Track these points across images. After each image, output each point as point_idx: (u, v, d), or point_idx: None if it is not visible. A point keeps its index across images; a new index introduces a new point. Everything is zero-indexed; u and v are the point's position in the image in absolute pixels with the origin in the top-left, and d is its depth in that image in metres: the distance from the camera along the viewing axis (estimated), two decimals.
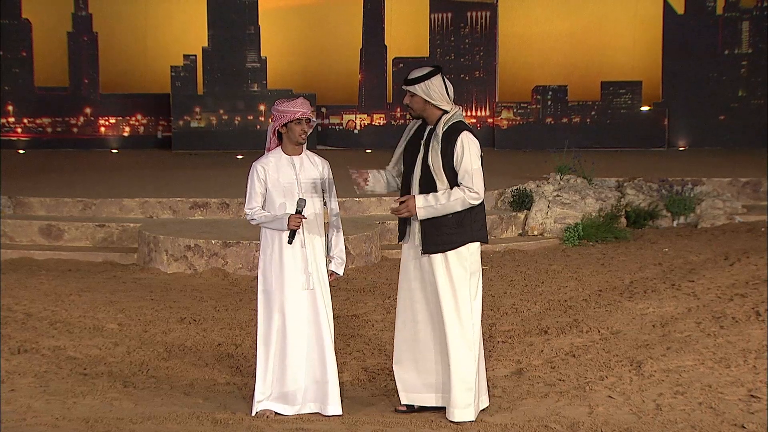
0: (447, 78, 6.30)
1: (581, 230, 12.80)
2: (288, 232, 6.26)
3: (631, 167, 17.14)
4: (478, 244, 6.26)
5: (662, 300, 9.36)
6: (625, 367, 7.31)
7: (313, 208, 6.39)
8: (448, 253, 6.17)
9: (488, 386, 6.88)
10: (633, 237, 13.02)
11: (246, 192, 6.42)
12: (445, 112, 6.23)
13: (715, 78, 22.65)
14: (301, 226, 6.27)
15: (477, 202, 6.14)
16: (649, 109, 22.85)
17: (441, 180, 6.16)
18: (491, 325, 8.67)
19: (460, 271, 6.18)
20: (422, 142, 6.28)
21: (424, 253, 6.22)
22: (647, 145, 22.45)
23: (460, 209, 6.13)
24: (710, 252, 11.76)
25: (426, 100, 6.21)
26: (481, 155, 6.23)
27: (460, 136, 6.12)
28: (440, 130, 6.18)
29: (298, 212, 6.25)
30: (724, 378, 7.02)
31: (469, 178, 6.09)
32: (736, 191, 15.19)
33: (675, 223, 13.96)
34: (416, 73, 6.24)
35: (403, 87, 6.31)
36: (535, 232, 13.08)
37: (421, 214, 6.16)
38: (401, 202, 6.21)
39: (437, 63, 6.73)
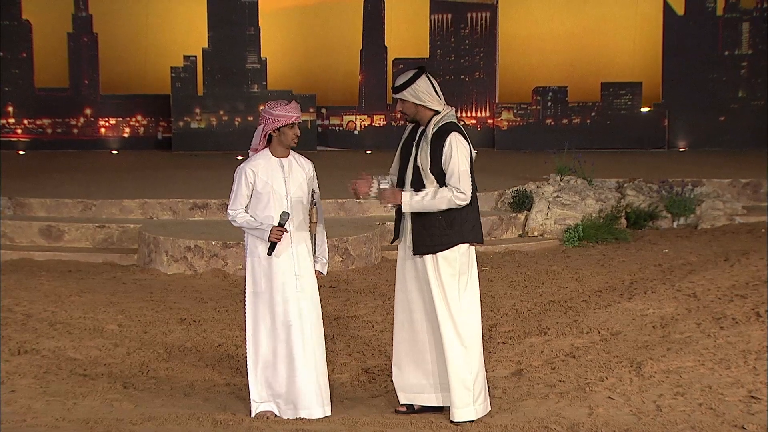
0: (434, 77, 6.34)
1: (581, 231, 12.80)
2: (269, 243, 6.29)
3: (631, 168, 17.14)
4: (467, 245, 6.25)
5: (662, 301, 9.36)
6: (625, 368, 7.31)
7: (302, 210, 6.40)
8: (438, 254, 6.18)
9: (488, 387, 6.89)
10: (633, 238, 13.03)
11: (231, 192, 6.43)
12: (437, 112, 6.24)
13: (715, 79, 22.62)
14: (282, 239, 6.28)
15: (463, 203, 6.14)
16: (649, 110, 22.82)
17: (429, 180, 6.20)
18: (491, 326, 8.67)
19: (449, 271, 6.20)
20: (414, 143, 6.31)
21: (414, 254, 6.25)
22: (647, 146, 22.44)
23: (445, 208, 6.15)
24: (710, 253, 11.76)
25: (416, 104, 6.24)
26: (471, 157, 6.24)
27: (449, 137, 6.14)
28: (430, 132, 6.21)
29: (281, 225, 6.26)
30: (724, 379, 7.02)
31: (457, 180, 6.10)
32: (736, 192, 15.18)
33: (675, 224, 13.96)
34: (401, 79, 6.28)
35: (393, 95, 6.35)
36: (535, 233, 13.08)
37: (406, 207, 6.22)
38: (387, 193, 6.29)
39: (422, 64, 6.72)
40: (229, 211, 6.45)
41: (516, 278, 10.75)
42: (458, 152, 6.12)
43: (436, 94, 6.25)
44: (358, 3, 23.18)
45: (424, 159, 6.20)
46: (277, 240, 6.26)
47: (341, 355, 7.88)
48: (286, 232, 6.29)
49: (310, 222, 6.47)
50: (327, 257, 6.60)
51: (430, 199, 6.15)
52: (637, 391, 6.84)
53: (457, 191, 6.10)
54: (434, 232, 6.18)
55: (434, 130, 6.20)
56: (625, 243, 12.74)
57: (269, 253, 6.30)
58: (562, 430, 6.09)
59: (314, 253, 6.49)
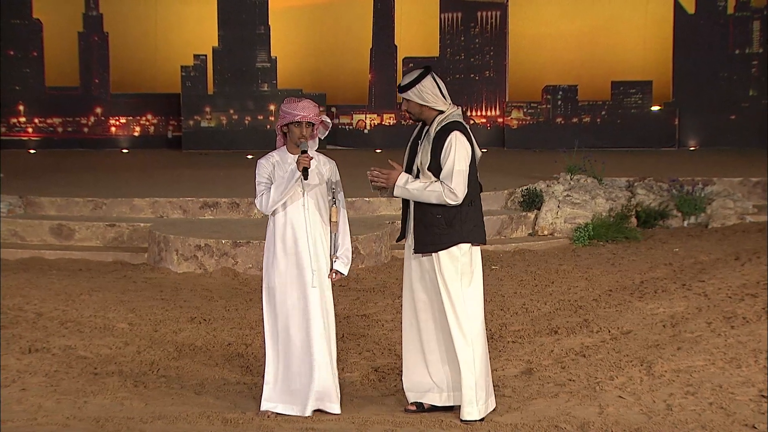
0: (440, 78, 6.33)
1: (591, 230, 12.78)
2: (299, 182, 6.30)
3: (642, 167, 17.11)
4: (469, 244, 6.24)
5: (673, 300, 9.35)
6: (636, 367, 7.30)
7: (318, 208, 6.40)
8: (440, 253, 6.18)
9: (498, 386, 6.89)
10: (643, 237, 13.00)
11: (255, 187, 6.43)
12: (441, 112, 6.24)
13: (725, 77, 22.59)
14: (310, 163, 6.26)
15: (453, 203, 6.13)
16: (660, 109, 22.80)
17: (426, 177, 6.19)
18: (501, 325, 8.67)
19: (451, 270, 6.19)
20: (420, 142, 6.33)
21: (415, 253, 6.25)
22: (657, 145, 22.41)
23: (434, 202, 6.14)
24: (721, 252, 11.73)
25: (421, 104, 6.24)
26: (475, 157, 6.24)
27: (450, 136, 6.14)
28: (433, 131, 6.22)
29: (304, 151, 6.26)
30: (734, 378, 7.01)
31: (449, 178, 6.10)
32: (746, 191, 15.14)
33: (685, 223, 13.93)
34: (407, 79, 6.28)
35: (399, 94, 6.35)
36: (545, 232, 13.07)
37: (397, 191, 6.23)
38: (384, 172, 6.26)
39: (429, 64, 6.72)
40: (257, 201, 6.42)
41: (526, 277, 10.74)
42: (456, 151, 6.11)
43: (441, 95, 6.25)
44: (368, 2, 23.21)
45: (424, 157, 6.22)
46: (306, 164, 6.22)
47: (351, 354, 7.88)
48: (311, 158, 6.28)
49: (331, 221, 6.46)
50: (350, 257, 6.55)
51: (422, 189, 6.15)
52: (647, 390, 6.83)
53: (449, 190, 6.10)
54: (434, 231, 6.18)
55: (437, 129, 6.21)
56: (636, 242, 12.72)
57: (305, 177, 6.25)
58: (572, 429, 6.09)
59: (335, 252, 6.46)
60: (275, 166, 6.39)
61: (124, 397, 6.78)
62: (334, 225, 6.46)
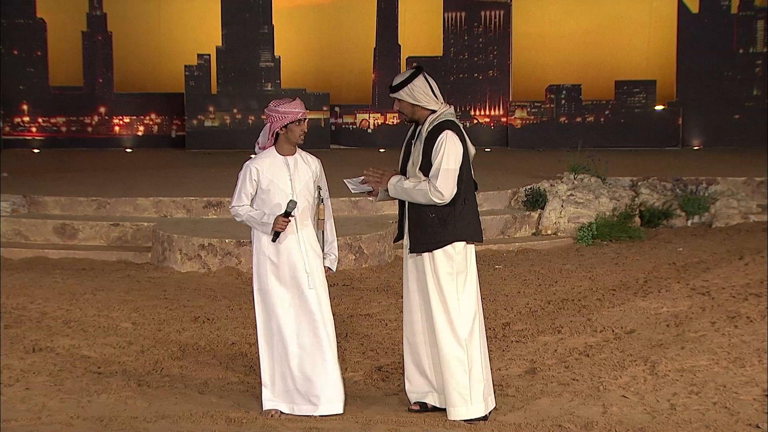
0: (432, 77, 6.33)
1: (595, 229, 12.78)
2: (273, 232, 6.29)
3: (646, 166, 17.10)
4: (464, 243, 6.24)
5: (676, 299, 9.35)
6: (639, 367, 7.30)
7: (309, 207, 6.41)
8: (435, 252, 6.18)
9: (502, 386, 6.89)
10: (647, 236, 13.00)
11: (235, 188, 6.42)
12: (433, 111, 6.24)
13: (729, 77, 22.54)
14: (287, 227, 6.27)
15: (440, 201, 6.13)
16: (664, 108, 22.76)
17: (416, 178, 6.19)
18: (505, 325, 8.67)
19: (446, 269, 6.19)
20: (413, 142, 6.33)
21: (411, 252, 6.26)
22: (661, 144, 22.38)
23: (422, 201, 6.16)
24: (724, 251, 11.73)
25: (413, 104, 6.24)
26: (468, 155, 6.24)
27: (441, 135, 6.15)
28: (425, 131, 6.23)
29: (288, 213, 6.25)
30: (738, 377, 7.01)
31: (435, 177, 6.10)
32: (750, 190, 15.12)
33: (689, 222, 13.92)
34: (398, 79, 6.29)
35: (390, 95, 6.34)
36: (549, 232, 13.06)
37: (391, 190, 6.27)
38: (378, 171, 6.28)
39: (419, 64, 6.72)
40: (232, 207, 6.45)
41: (529, 276, 10.74)
42: (445, 150, 6.11)
43: (433, 94, 6.25)
44: (372, 1, 23.18)
45: (416, 158, 6.23)
46: (281, 230, 6.26)
47: (354, 354, 7.88)
48: (293, 217, 6.28)
49: (318, 219, 6.47)
50: (336, 253, 6.59)
51: (411, 188, 6.18)
52: (651, 389, 6.83)
53: (434, 189, 6.10)
54: (429, 231, 6.19)
55: (428, 129, 6.22)
56: (639, 241, 12.71)
57: (273, 240, 6.29)
58: (575, 428, 6.09)
59: (323, 249, 6.49)
60: (265, 172, 6.37)
61: (127, 397, 6.79)
62: (320, 223, 6.48)
